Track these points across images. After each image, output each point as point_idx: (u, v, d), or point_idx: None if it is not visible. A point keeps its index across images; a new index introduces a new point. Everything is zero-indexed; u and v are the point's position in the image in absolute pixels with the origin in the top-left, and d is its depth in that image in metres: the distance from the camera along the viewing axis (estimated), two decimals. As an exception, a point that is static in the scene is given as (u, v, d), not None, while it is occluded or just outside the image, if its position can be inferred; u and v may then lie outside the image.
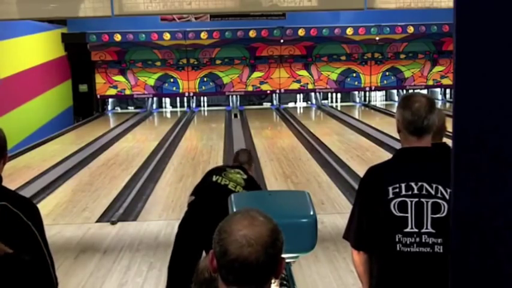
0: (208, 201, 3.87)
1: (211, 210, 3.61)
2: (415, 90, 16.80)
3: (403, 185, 2.25)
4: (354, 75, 16.88)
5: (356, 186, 2.54)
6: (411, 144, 2.31)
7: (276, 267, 1.39)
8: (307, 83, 16.82)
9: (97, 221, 6.25)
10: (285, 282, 2.52)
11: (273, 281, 1.45)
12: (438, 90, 17.53)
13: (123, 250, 5.30)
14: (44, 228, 2.24)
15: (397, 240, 2.24)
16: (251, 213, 1.39)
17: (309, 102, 17.62)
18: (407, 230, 2.23)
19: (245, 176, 4.05)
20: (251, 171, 4.23)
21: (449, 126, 1.37)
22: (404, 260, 2.24)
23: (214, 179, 4.00)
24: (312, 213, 2.61)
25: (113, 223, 6.07)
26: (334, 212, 6.29)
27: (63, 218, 6.46)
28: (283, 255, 1.42)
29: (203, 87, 16.61)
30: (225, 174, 4.02)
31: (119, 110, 17.28)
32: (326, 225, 5.69)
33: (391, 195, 2.26)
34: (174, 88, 16.57)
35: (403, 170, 2.30)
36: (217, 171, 4.11)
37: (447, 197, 2.20)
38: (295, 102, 17.61)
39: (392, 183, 2.26)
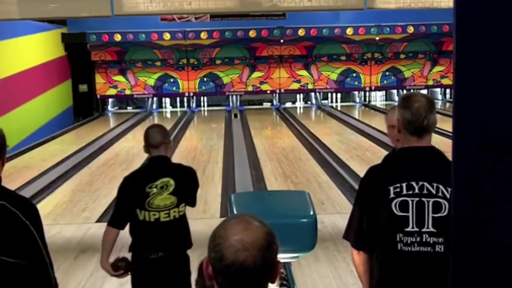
0: (149, 245, 3.24)
1: (156, 251, 3.21)
2: (415, 90, 16.80)
3: (404, 185, 2.25)
4: (354, 75, 16.87)
5: (356, 186, 2.54)
6: (411, 144, 2.32)
7: (272, 271, 1.38)
8: (307, 83, 16.82)
9: (97, 221, 6.25)
10: (285, 282, 2.52)
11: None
12: (438, 90, 17.53)
13: (123, 250, 5.29)
14: (43, 229, 2.23)
15: (398, 239, 2.24)
16: (245, 218, 1.39)
17: (309, 102, 17.62)
18: (408, 229, 2.23)
19: (172, 185, 3.18)
20: (170, 147, 3.33)
21: (449, 126, 1.37)
22: (405, 259, 2.24)
23: (141, 217, 3.18)
24: (312, 213, 2.61)
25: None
26: (334, 212, 6.29)
27: (63, 218, 6.46)
28: (282, 256, 1.41)
29: (203, 87, 16.60)
30: (150, 203, 3.15)
31: (114, 109, 17.25)
32: (326, 225, 5.69)
33: (392, 195, 2.26)
34: (174, 88, 16.56)
35: (403, 170, 2.31)
36: (138, 200, 3.18)
37: (448, 196, 2.20)
38: (293, 102, 17.57)
39: (393, 182, 2.27)
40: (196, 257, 4.78)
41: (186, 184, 3.29)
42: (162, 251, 3.23)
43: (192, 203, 3.47)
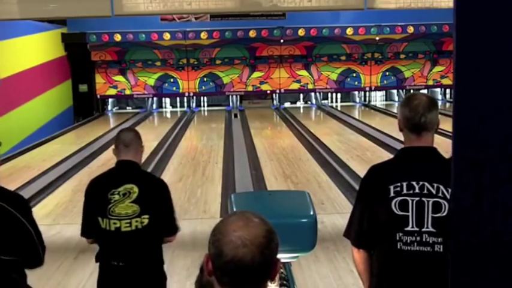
0: (111, 255, 3.06)
1: (119, 261, 3.03)
2: (415, 90, 16.81)
3: (404, 184, 2.26)
4: (354, 75, 16.87)
5: (356, 186, 2.55)
6: (412, 143, 2.33)
7: (271, 268, 1.38)
8: (307, 83, 16.82)
9: (97, 221, 6.24)
10: (285, 282, 2.53)
11: (272, 281, 1.45)
12: (438, 90, 17.53)
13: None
14: (33, 217, 2.33)
15: (397, 238, 2.25)
16: (246, 215, 1.39)
17: (309, 102, 17.62)
18: (408, 228, 2.24)
19: (135, 192, 2.96)
20: (141, 152, 3.13)
21: (449, 126, 1.37)
22: (405, 258, 2.25)
23: (102, 225, 2.98)
24: (312, 213, 2.61)
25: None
26: (334, 212, 6.29)
27: (63, 218, 6.46)
28: (282, 256, 1.41)
29: (203, 87, 16.61)
30: (111, 210, 2.95)
31: (114, 109, 17.24)
32: (326, 225, 5.69)
33: (392, 194, 2.27)
34: (174, 88, 16.57)
35: (404, 169, 2.31)
36: (99, 207, 2.99)
37: (448, 196, 2.21)
38: (293, 102, 17.53)
39: (393, 182, 2.28)
40: (196, 257, 4.78)
41: (152, 195, 3.01)
42: (125, 262, 3.01)
43: (167, 229, 3.08)
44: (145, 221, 2.95)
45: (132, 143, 3.03)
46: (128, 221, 2.93)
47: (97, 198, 3.01)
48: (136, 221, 2.94)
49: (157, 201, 3.02)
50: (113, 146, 3.11)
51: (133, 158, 3.05)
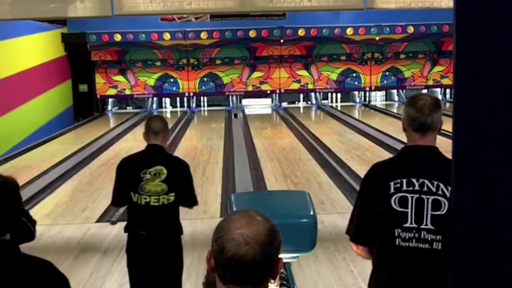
0: (140, 226, 3.47)
1: (148, 230, 3.44)
2: (415, 91, 16.83)
3: (404, 181, 2.27)
4: (354, 75, 16.87)
5: (356, 186, 2.57)
6: (416, 142, 2.34)
7: (272, 266, 1.39)
8: (307, 83, 16.82)
9: (97, 221, 6.25)
10: (285, 282, 2.53)
11: (272, 281, 1.46)
12: (438, 90, 17.53)
13: (123, 250, 5.28)
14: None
15: (396, 234, 2.26)
16: (249, 213, 1.40)
17: (309, 102, 17.62)
18: (407, 225, 2.25)
19: (164, 173, 3.41)
20: (167, 139, 3.60)
21: (449, 126, 1.37)
22: (403, 254, 2.26)
23: (134, 199, 3.43)
24: (312, 213, 2.61)
25: (113, 223, 6.07)
26: (334, 212, 6.29)
27: (63, 218, 6.46)
28: (282, 256, 1.42)
29: (203, 87, 16.61)
30: (142, 187, 3.40)
31: (114, 109, 17.23)
32: (326, 225, 5.69)
33: (392, 190, 2.28)
34: (174, 88, 16.57)
35: (405, 167, 2.33)
36: (132, 183, 3.44)
37: (448, 194, 2.22)
38: (292, 102, 17.52)
39: (394, 178, 2.29)
40: (196, 257, 4.79)
41: (178, 175, 3.49)
42: (150, 231, 3.44)
43: (188, 202, 3.59)
44: (172, 198, 3.42)
45: (160, 132, 3.49)
46: (157, 197, 3.39)
47: (130, 175, 3.46)
48: (164, 198, 3.40)
49: (182, 180, 3.51)
50: (143, 130, 3.56)
51: (161, 143, 3.51)
